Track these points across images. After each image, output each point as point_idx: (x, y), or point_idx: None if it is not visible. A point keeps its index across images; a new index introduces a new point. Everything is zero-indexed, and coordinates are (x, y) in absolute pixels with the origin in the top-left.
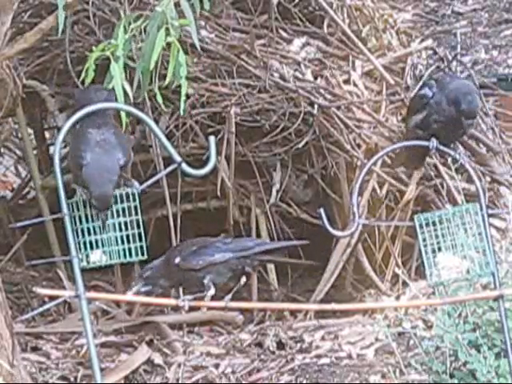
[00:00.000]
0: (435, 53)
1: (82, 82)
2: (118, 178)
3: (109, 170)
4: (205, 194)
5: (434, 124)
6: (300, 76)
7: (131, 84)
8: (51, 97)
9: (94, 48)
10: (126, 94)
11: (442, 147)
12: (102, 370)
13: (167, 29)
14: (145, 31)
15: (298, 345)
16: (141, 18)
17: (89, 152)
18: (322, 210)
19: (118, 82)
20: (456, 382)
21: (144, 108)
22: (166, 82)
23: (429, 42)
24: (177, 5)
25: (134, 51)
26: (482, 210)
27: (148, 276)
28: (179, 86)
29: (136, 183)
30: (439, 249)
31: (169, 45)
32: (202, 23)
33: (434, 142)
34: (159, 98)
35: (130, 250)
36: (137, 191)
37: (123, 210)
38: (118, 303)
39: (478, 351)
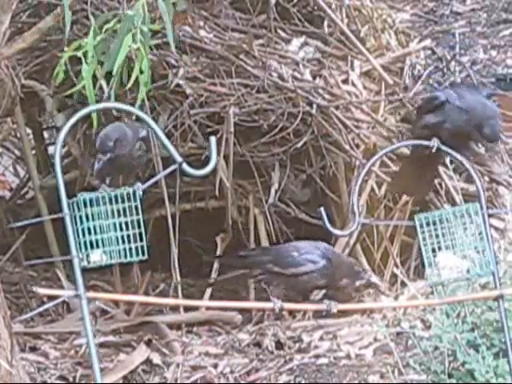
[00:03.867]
0: (434, 53)
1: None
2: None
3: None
4: (203, 194)
5: (445, 132)
6: (298, 76)
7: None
8: (50, 97)
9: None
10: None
11: (444, 148)
12: (100, 370)
13: (134, 34)
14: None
15: (297, 345)
16: (115, 17)
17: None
18: (322, 210)
19: (89, 82)
20: (454, 382)
21: (143, 108)
22: (128, 85)
23: (427, 42)
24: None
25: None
26: (482, 209)
27: None
28: (178, 86)
29: (139, 183)
30: (439, 248)
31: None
32: (201, 23)
33: (435, 142)
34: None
35: (130, 249)
36: (138, 191)
37: (124, 209)
38: (116, 303)
39: (477, 351)
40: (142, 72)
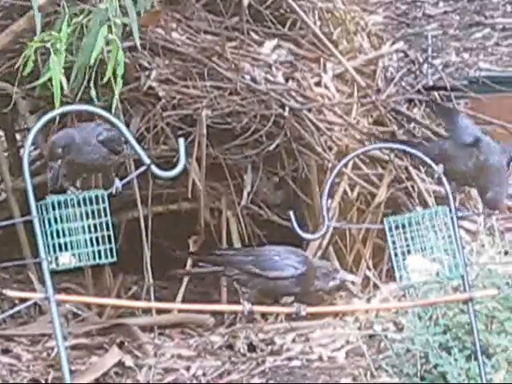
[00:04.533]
0: (406, 55)
1: (22, 73)
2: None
3: None
4: (176, 196)
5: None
6: (271, 78)
7: (68, 78)
8: (22, 99)
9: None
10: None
11: (413, 151)
12: (72, 372)
13: (109, 26)
14: (87, 26)
15: (269, 347)
16: (84, 11)
17: None
18: (291, 213)
19: (57, 74)
20: None
21: (115, 111)
22: (104, 80)
23: (400, 45)
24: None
25: (73, 46)
26: (451, 212)
27: None
28: (151, 88)
29: (117, 180)
30: (409, 251)
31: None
32: (174, 25)
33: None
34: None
35: (99, 252)
36: (115, 191)
37: (92, 212)
38: (88, 305)
39: (449, 353)
40: (118, 64)
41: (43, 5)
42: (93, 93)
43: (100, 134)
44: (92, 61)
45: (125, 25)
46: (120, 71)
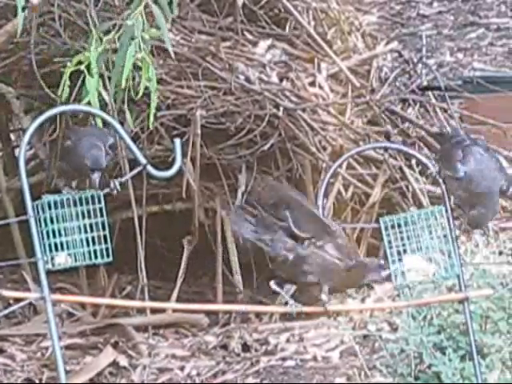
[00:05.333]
0: (400, 55)
1: (59, 97)
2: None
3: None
4: (170, 196)
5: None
6: (265, 78)
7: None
8: (16, 99)
9: (68, 63)
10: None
11: (409, 150)
12: (67, 372)
13: (138, 43)
14: (118, 40)
15: (264, 347)
16: (114, 28)
17: None
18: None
19: (94, 95)
20: None
21: (110, 111)
22: (139, 95)
23: (394, 45)
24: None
25: (109, 60)
26: (447, 212)
27: None
28: (145, 88)
29: (116, 182)
30: (404, 251)
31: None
32: (168, 26)
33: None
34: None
35: (95, 252)
36: (116, 188)
37: (88, 211)
38: (83, 305)
39: (443, 354)
40: (149, 80)
41: (36, 5)
42: (127, 116)
43: (109, 139)
44: (124, 82)
45: None
46: (153, 87)
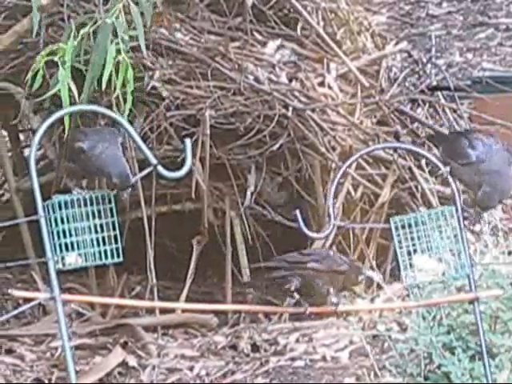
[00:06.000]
0: (410, 55)
1: (30, 87)
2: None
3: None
4: (179, 197)
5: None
6: (275, 78)
7: (76, 85)
8: (25, 99)
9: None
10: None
11: (419, 150)
12: (76, 372)
13: (117, 43)
14: (94, 36)
15: (273, 347)
16: (91, 21)
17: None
18: (297, 212)
19: (65, 86)
20: None
21: (119, 110)
22: (114, 95)
23: (403, 45)
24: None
25: (81, 53)
26: (457, 212)
27: None
28: (154, 88)
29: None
30: (414, 251)
31: None
32: (177, 26)
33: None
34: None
35: (105, 252)
36: (112, 194)
37: (99, 211)
38: (92, 305)
39: (453, 354)
40: (127, 82)
41: (46, 5)
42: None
43: (119, 138)
44: (104, 84)
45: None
46: (130, 88)
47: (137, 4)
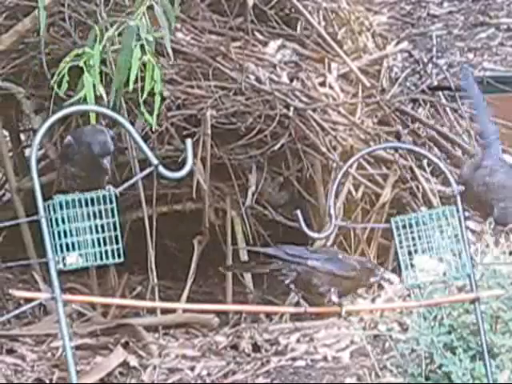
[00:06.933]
0: (411, 55)
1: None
2: None
3: None
4: (180, 197)
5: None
6: (276, 78)
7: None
8: (27, 99)
9: (67, 57)
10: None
11: (420, 150)
12: (77, 372)
13: (142, 45)
14: (119, 37)
15: (274, 347)
16: (114, 24)
17: None
18: (298, 212)
19: (91, 91)
20: None
21: (120, 110)
22: (143, 96)
23: (404, 45)
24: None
25: (108, 56)
26: (458, 212)
27: None
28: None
29: (112, 189)
30: (415, 251)
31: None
32: (178, 26)
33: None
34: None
35: (106, 252)
36: (114, 193)
37: (100, 212)
38: (93, 305)
39: (454, 354)
40: (155, 82)
41: (48, 5)
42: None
43: (109, 131)
44: (131, 86)
45: None
46: (158, 88)
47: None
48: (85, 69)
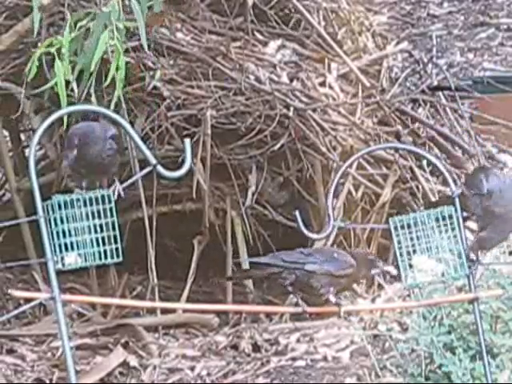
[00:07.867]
0: (411, 55)
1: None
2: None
3: None
4: (180, 197)
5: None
6: (276, 78)
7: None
8: (27, 99)
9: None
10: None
11: (419, 150)
12: (77, 372)
13: (112, 31)
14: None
15: (274, 347)
16: (89, 15)
17: None
18: (297, 213)
19: (61, 79)
20: None
21: (119, 110)
22: (106, 83)
23: (404, 45)
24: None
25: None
26: (456, 212)
27: None
28: (155, 88)
29: (117, 183)
30: (414, 251)
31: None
32: (178, 25)
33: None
34: None
35: (105, 252)
36: (115, 192)
37: (98, 212)
38: (93, 305)
39: (453, 354)
40: (118, 69)
41: (47, 5)
42: (93, 99)
43: (110, 129)
44: (92, 67)
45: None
46: (121, 75)
47: None
48: (56, 57)
